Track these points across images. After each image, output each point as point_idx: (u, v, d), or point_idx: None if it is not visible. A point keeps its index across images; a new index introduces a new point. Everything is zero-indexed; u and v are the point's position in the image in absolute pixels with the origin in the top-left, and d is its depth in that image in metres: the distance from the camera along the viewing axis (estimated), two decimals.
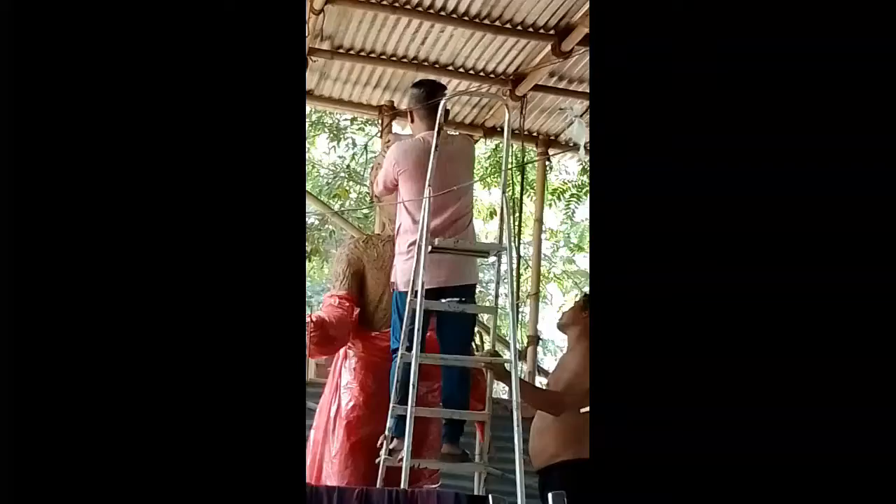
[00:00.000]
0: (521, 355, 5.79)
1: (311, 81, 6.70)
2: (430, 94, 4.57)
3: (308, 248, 10.80)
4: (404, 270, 4.48)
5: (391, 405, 4.26)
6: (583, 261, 11.67)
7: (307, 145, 10.83)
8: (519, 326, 5.52)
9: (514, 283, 5.05)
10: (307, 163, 10.73)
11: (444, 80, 5.58)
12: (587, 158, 8.03)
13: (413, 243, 4.44)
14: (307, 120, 10.30)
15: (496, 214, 6.58)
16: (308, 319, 4.72)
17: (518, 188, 6.75)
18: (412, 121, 4.84)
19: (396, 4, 5.74)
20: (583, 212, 11.00)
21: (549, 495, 1.58)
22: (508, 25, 5.88)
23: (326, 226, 10.23)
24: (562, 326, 5.32)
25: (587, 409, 4.74)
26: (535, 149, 7.34)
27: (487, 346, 5.56)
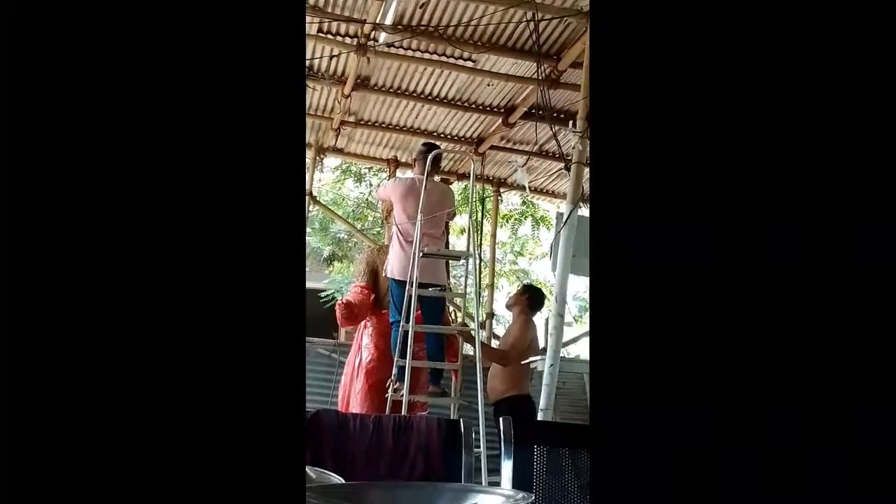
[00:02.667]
0: (482, 326, 5.78)
1: (342, 142, 6.74)
2: (426, 151, 4.65)
3: (340, 254, 10.82)
4: (393, 264, 4.61)
5: (395, 359, 4.29)
6: (523, 262, 11.75)
7: (339, 185, 10.86)
8: (480, 306, 5.52)
9: (477, 277, 5.05)
10: (339, 197, 10.80)
11: (433, 141, 5.59)
12: (526, 194, 8.10)
13: (400, 244, 4.59)
14: (339, 169, 10.32)
15: (465, 232, 6.59)
16: (340, 302, 4.87)
17: (479, 214, 6.76)
18: (412, 165, 5.02)
19: (399, 91, 5.76)
20: (523, 230, 11.11)
21: (500, 419, 1.58)
22: (473, 106, 5.91)
23: (353, 239, 10.23)
24: (508, 306, 5.36)
25: (525, 361, 4.78)
26: (491, 188, 7.36)
27: (459, 320, 5.57)
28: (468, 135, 6.40)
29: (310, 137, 6.69)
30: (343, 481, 1.00)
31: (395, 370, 4.34)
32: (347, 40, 5.01)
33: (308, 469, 0.98)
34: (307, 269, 7.97)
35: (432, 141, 5.63)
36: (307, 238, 7.64)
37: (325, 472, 1.03)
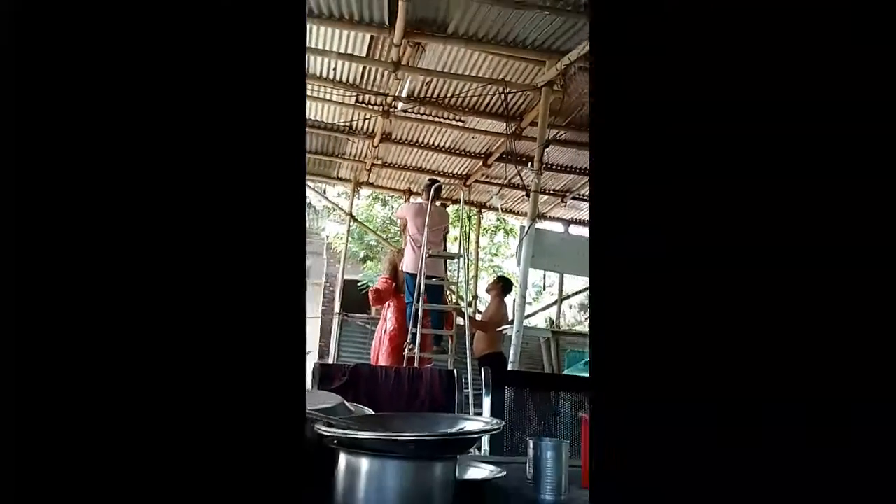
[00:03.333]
0: (469, 304, 5.78)
1: (373, 178, 6.73)
2: (430, 184, 4.69)
3: (371, 256, 10.80)
4: (407, 262, 4.59)
5: (409, 328, 4.30)
6: (497, 261, 11.71)
7: (371, 207, 10.78)
8: (468, 291, 5.52)
9: (466, 271, 5.06)
10: (371, 216, 10.73)
11: (435, 177, 5.59)
12: (499, 213, 8.11)
13: (412, 249, 4.56)
14: (371, 197, 10.27)
15: (457, 239, 6.60)
16: (371, 289, 4.87)
17: (467, 227, 6.77)
18: (421, 194, 4.96)
19: (411, 143, 5.76)
20: (497, 238, 11.09)
21: (482, 369, 1.58)
22: (463, 152, 5.91)
23: (380, 245, 10.22)
24: (487, 291, 5.37)
25: (499, 329, 4.79)
26: (475, 209, 7.35)
27: (453, 300, 5.57)
28: (459, 172, 6.40)
29: (350, 175, 6.68)
30: (374, 412, 1.01)
31: (409, 336, 4.35)
32: (376, 108, 5.01)
33: (349, 405, 0.98)
34: (349, 266, 7.96)
35: (435, 177, 5.64)
36: (349, 245, 7.60)
37: (361, 406, 1.04)
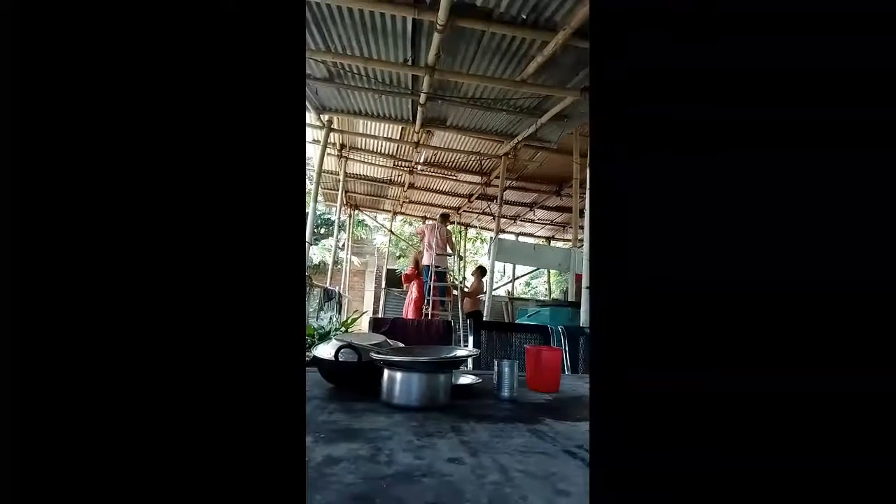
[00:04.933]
0: (461, 282, 5.76)
1: (404, 209, 6.67)
2: (441, 214, 4.65)
3: (402, 255, 10.64)
4: (425, 258, 4.51)
5: (425, 296, 4.26)
6: (477, 257, 11.45)
7: (402, 226, 10.23)
8: (460, 274, 5.49)
9: (458, 263, 5.03)
10: (403, 232, 10.31)
11: (443, 209, 5.53)
12: (478, 230, 8.03)
13: (428, 250, 4.47)
14: (403, 220, 9.85)
15: (453, 245, 6.56)
16: (404, 273, 4.83)
17: (459, 238, 6.72)
18: (434, 219, 5.00)
19: (426, 189, 5.72)
20: (477, 244, 10.86)
21: (468, 320, 1.55)
22: (456, 194, 5.85)
23: (408, 248, 10.08)
24: (472, 274, 5.32)
25: (478, 296, 4.76)
26: (463, 227, 7.30)
27: (452, 280, 5.55)
28: (455, 206, 6.36)
29: (391, 207, 6.64)
30: (404, 345, 1.00)
31: (425, 301, 4.34)
32: (405, 168, 5.00)
33: (390, 341, 0.98)
34: (390, 261, 7.90)
35: (442, 210, 5.61)
36: (390, 248, 7.50)
37: (397, 342, 1.03)
